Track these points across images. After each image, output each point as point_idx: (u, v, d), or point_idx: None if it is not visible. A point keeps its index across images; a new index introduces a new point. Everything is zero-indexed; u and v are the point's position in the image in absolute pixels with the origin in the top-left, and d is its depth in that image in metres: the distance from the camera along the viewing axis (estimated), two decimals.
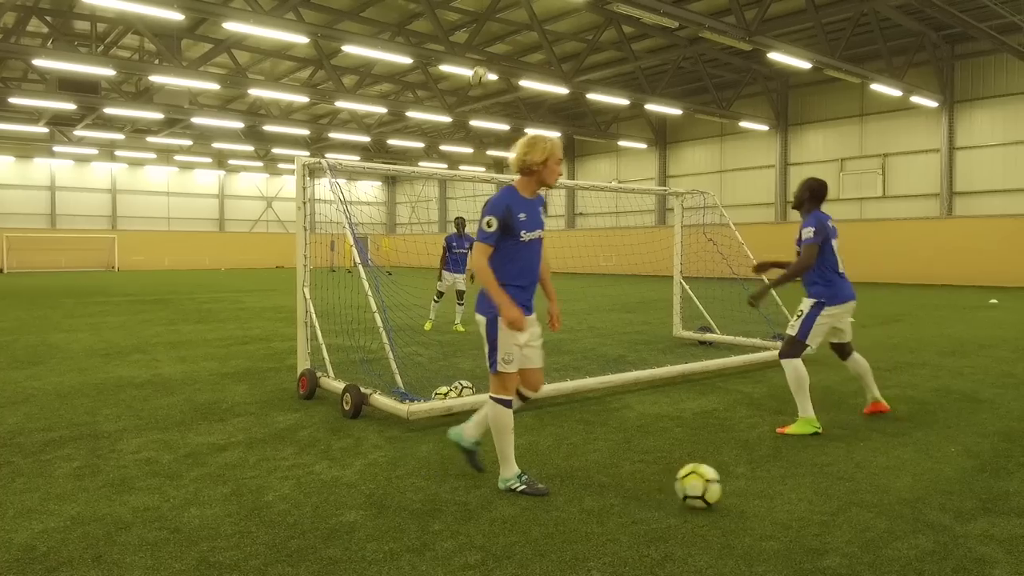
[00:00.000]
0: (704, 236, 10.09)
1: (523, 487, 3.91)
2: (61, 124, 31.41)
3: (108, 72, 19.86)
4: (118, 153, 41.20)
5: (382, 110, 27.06)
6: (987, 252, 23.19)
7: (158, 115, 26.81)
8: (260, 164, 44.80)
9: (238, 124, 31.33)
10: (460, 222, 11.80)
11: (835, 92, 27.22)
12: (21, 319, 13.34)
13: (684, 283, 10.36)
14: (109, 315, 14.20)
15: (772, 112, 29.02)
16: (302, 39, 17.87)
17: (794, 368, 5.23)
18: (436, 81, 25.20)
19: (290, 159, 41.39)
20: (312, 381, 6.34)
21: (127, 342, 10.18)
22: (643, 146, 33.53)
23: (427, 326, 11.47)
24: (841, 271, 5.44)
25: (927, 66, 24.00)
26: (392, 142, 36.03)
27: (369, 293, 5.98)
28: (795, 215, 28.52)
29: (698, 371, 7.42)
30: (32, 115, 30.62)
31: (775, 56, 18.64)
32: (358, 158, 38.83)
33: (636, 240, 24.44)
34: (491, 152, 36.83)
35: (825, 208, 5.61)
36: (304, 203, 6.55)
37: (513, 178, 4.02)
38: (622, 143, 33.05)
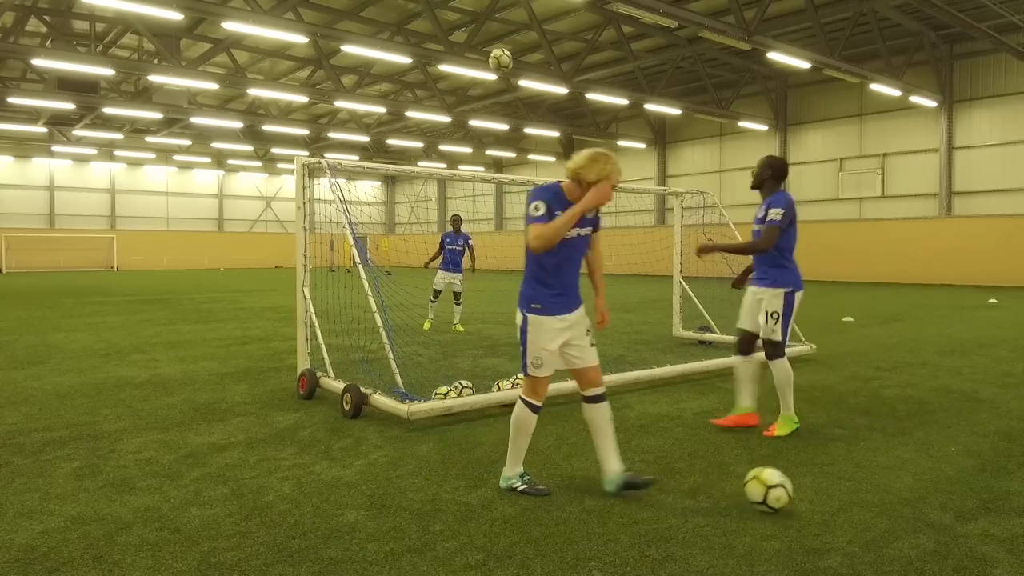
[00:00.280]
0: (704, 236, 10.08)
1: (524, 487, 3.91)
2: (60, 124, 31.40)
3: (107, 72, 19.84)
4: (117, 153, 41.18)
5: (381, 110, 27.06)
6: (986, 252, 23.21)
7: (157, 115, 26.80)
8: (259, 164, 44.78)
9: (237, 124, 31.31)
10: (456, 220, 11.78)
11: (834, 92, 27.23)
12: (20, 319, 13.33)
13: (684, 283, 10.37)
14: (108, 315, 14.19)
15: (771, 112, 29.03)
16: (301, 39, 17.86)
17: (783, 368, 5.13)
18: (435, 81, 25.19)
19: (289, 159, 41.38)
20: (312, 381, 6.33)
21: (126, 342, 10.17)
22: (642, 146, 33.53)
23: (426, 326, 11.46)
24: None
25: (926, 66, 24.01)
26: (391, 142, 36.02)
27: (369, 293, 5.98)
28: None
29: (698, 371, 7.43)
30: (31, 115, 30.60)
31: (774, 56, 18.64)
32: (357, 158, 38.81)
33: (636, 240, 24.41)
34: (490, 152, 36.82)
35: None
36: (304, 203, 6.55)
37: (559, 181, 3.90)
38: (621, 143, 33.04)
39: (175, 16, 15.33)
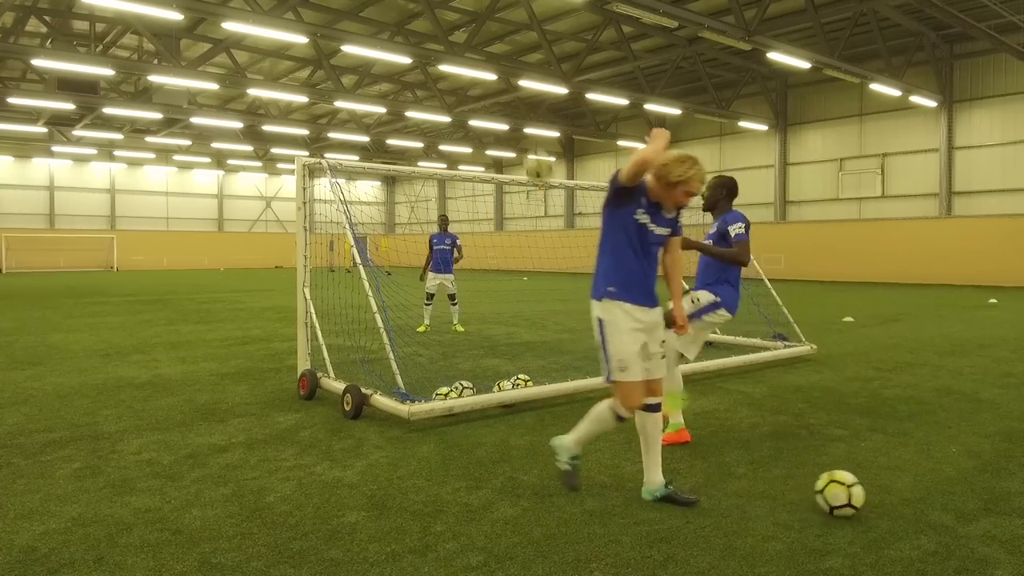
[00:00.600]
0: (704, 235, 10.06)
1: (568, 467, 3.82)
2: (60, 124, 31.38)
3: (107, 72, 19.84)
4: (117, 153, 41.18)
5: (381, 110, 27.06)
6: (986, 252, 23.21)
7: (157, 115, 26.80)
8: (259, 164, 44.79)
9: (237, 124, 31.31)
10: (443, 220, 11.74)
11: (834, 92, 27.23)
12: (20, 319, 13.33)
13: (684, 283, 10.34)
14: (108, 315, 14.18)
15: (771, 112, 29.02)
16: (301, 39, 17.86)
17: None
18: (435, 81, 25.18)
19: (289, 159, 41.39)
20: (313, 381, 6.33)
21: (127, 342, 10.17)
22: (642, 146, 33.41)
23: (421, 328, 11.34)
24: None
25: (926, 66, 24.01)
26: (391, 142, 36.02)
27: (369, 293, 5.98)
28: (794, 214, 28.65)
29: (698, 371, 7.42)
30: (31, 115, 30.59)
31: (774, 56, 18.65)
32: (357, 158, 38.83)
33: None
34: (490, 152, 36.82)
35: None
36: (304, 203, 6.54)
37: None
38: (621, 143, 33.05)
39: (175, 16, 15.33)
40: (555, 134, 33.03)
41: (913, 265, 24.87)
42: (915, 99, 23.28)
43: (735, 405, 6.13)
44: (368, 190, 52.05)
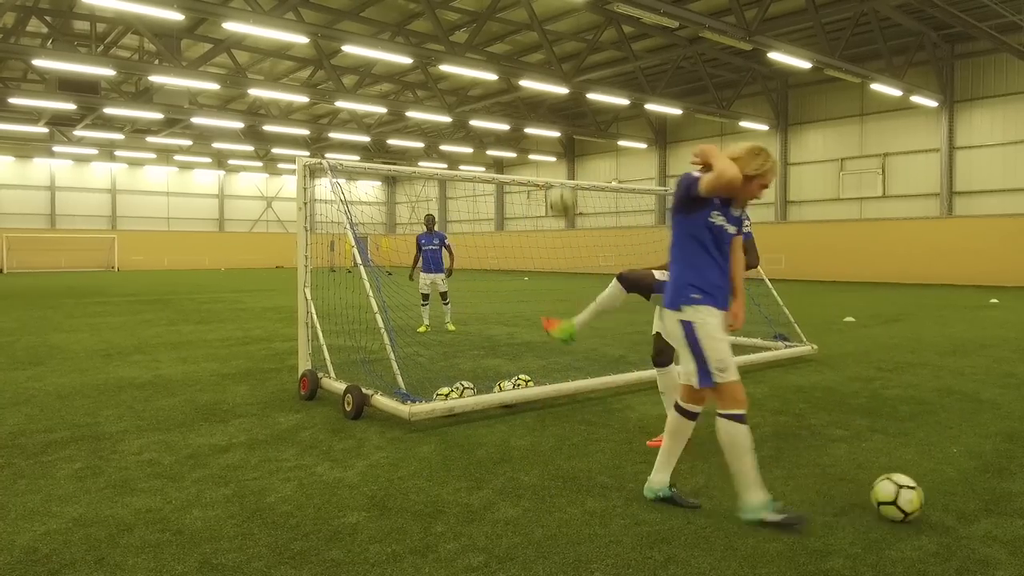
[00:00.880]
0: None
1: (779, 517, 3.45)
2: (61, 124, 31.41)
3: (108, 72, 19.86)
4: (118, 153, 41.19)
5: (382, 110, 27.07)
6: (987, 252, 23.20)
7: (158, 115, 26.82)
8: (260, 164, 44.80)
9: (238, 124, 31.33)
10: (429, 219, 11.70)
11: (835, 92, 27.22)
12: (21, 319, 13.33)
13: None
14: (109, 315, 14.19)
15: (772, 112, 29.02)
16: (302, 39, 17.87)
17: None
18: (436, 81, 25.18)
19: (290, 159, 41.40)
20: (313, 382, 6.33)
21: (127, 342, 10.17)
22: (643, 146, 33.52)
23: (422, 329, 11.35)
24: None
25: (927, 66, 24.00)
26: (392, 142, 36.02)
27: (370, 293, 5.98)
28: (795, 214, 28.63)
29: None
30: (32, 115, 30.61)
31: (775, 56, 18.64)
32: (358, 158, 38.85)
33: (636, 240, 24.39)
34: (491, 152, 36.82)
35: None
36: (305, 203, 6.54)
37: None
38: (622, 143, 33.05)
39: (176, 16, 15.34)
40: (556, 134, 33.04)
41: (914, 265, 24.86)
42: (916, 99, 23.28)
43: None
44: (369, 190, 52.06)
